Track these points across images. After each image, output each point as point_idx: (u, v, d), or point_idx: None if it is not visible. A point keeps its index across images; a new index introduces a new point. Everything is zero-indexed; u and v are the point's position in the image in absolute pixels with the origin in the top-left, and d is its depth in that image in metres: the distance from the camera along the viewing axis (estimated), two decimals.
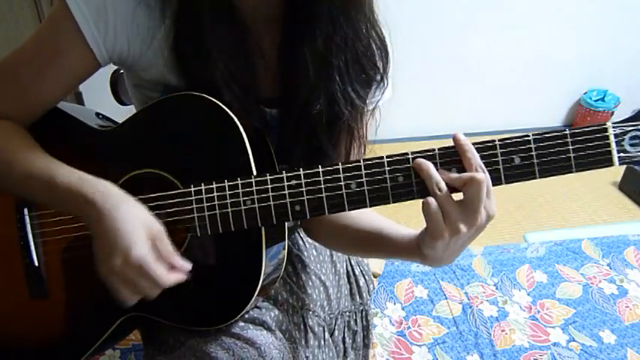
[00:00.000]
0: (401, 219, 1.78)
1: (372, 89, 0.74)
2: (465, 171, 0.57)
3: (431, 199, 0.57)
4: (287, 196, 0.62)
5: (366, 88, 0.72)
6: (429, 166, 0.58)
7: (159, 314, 0.71)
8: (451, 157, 0.59)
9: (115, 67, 0.98)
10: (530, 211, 2.16)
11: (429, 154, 0.60)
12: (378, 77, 0.73)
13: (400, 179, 0.60)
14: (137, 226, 0.58)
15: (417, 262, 0.66)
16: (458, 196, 0.58)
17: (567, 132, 0.57)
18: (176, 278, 0.59)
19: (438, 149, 0.59)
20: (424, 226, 0.60)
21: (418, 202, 0.59)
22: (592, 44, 2.54)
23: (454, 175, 0.57)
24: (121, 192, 0.61)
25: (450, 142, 0.59)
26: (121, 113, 0.78)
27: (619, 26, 2.50)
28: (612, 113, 2.56)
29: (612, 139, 0.57)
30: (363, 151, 0.79)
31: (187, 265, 0.60)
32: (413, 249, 0.65)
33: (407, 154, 0.60)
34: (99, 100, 0.97)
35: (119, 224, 0.57)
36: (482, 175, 0.56)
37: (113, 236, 0.57)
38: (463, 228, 0.57)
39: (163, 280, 0.58)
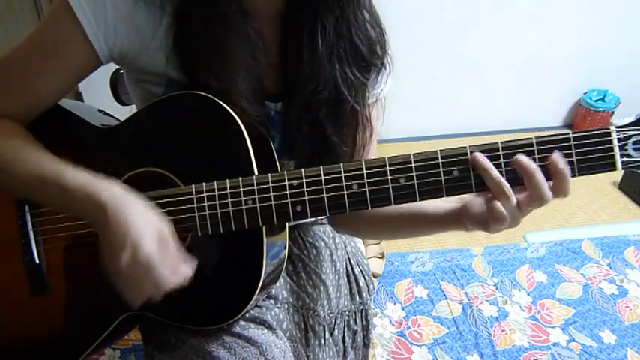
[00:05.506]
0: None
1: (373, 75, 0.75)
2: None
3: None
4: (288, 196, 0.62)
5: (365, 73, 0.73)
6: (488, 164, 0.58)
7: (160, 313, 0.71)
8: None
9: (116, 67, 0.98)
10: None
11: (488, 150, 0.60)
12: (378, 62, 0.74)
13: (402, 181, 0.60)
14: (146, 225, 0.57)
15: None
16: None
17: (570, 136, 0.56)
18: (178, 282, 0.59)
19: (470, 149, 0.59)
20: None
21: None
22: (592, 44, 2.53)
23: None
24: (128, 192, 0.60)
25: (449, 143, 0.59)
26: (121, 113, 0.78)
27: (619, 26, 2.50)
28: (612, 113, 2.56)
29: (615, 144, 0.56)
30: (368, 137, 0.79)
31: (189, 271, 0.60)
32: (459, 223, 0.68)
33: (409, 156, 0.60)
34: (99, 101, 0.97)
35: (129, 223, 0.57)
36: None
37: (122, 234, 0.56)
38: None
39: (166, 284, 0.57)
